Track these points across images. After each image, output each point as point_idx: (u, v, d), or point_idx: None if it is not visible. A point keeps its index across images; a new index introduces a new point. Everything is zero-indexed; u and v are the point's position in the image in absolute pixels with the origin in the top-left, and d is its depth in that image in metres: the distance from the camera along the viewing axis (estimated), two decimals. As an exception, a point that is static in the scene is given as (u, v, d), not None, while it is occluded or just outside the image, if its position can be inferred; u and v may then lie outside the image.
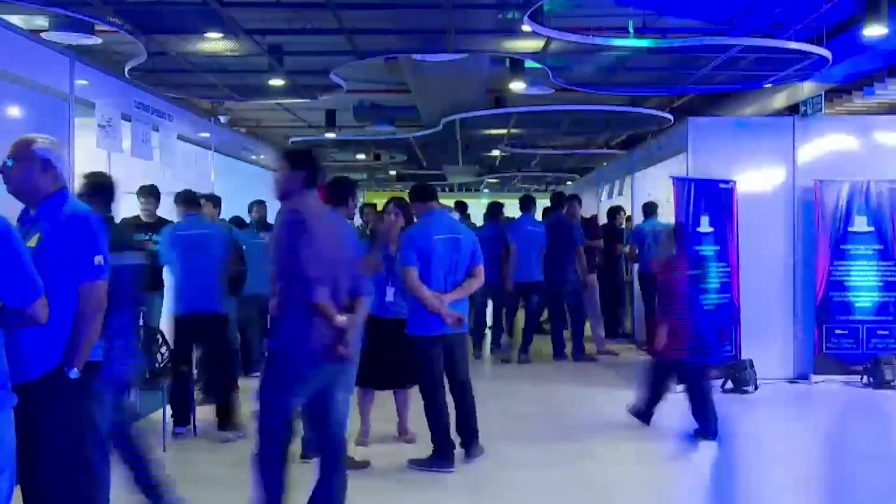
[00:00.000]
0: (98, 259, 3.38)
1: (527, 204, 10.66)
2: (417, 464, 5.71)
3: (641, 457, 6.05)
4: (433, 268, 5.64)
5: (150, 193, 7.55)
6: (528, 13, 8.75)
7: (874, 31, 8.22)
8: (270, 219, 9.53)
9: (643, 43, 10.24)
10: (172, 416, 6.58)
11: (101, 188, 4.57)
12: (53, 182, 3.43)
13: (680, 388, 8.28)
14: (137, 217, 7.59)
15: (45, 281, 3.10)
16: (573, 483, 5.56)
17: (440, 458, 5.66)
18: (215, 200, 8.48)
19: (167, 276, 7.70)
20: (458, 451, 5.78)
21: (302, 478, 5.39)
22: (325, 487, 4.13)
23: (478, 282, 5.85)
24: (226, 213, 9.52)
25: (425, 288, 5.58)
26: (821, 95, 9.52)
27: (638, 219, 11.32)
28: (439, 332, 5.66)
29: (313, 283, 3.88)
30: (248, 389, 8.64)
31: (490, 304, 11.25)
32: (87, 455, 3.44)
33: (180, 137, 8.68)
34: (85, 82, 6.59)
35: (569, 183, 24.09)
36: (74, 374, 3.29)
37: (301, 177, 4.06)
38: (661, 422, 7.01)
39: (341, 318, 3.95)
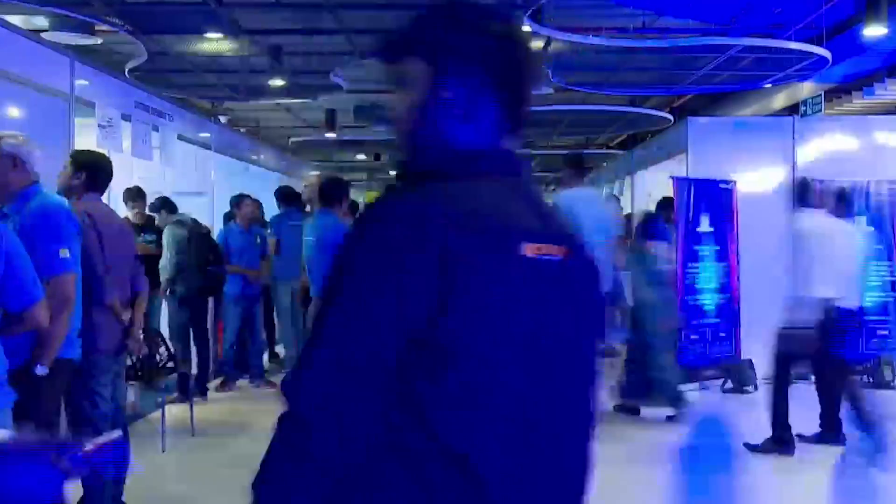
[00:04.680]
0: (63, 252, 3.29)
1: None
2: None
3: (638, 457, 6.04)
4: None
5: (136, 196, 7.56)
6: (528, 13, 8.75)
7: (874, 31, 8.22)
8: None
9: (642, 43, 10.24)
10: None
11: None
12: (23, 178, 3.41)
13: (682, 387, 8.30)
14: (127, 219, 7.61)
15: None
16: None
17: None
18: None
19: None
20: None
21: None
22: None
23: None
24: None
25: None
26: (821, 95, 9.53)
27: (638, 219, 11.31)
28: None
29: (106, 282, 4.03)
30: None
31: None
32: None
33: (180, 137, 8.69)
34: (85, 82, 6.59)
35: (569, 183, 24.09)
36: (42, 370, 3.20)
37: (84, 178, 4.12)
38: (656, 422, 7.01)
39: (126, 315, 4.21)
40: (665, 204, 8.46)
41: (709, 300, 8.56)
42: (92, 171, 4.13)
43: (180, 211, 8.07)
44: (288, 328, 9.03)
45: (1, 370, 2.85)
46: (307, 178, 12.82)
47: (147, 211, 8.02)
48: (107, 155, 4.54)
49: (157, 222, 7.99)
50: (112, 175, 4.31)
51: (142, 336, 4.52)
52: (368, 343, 1.30)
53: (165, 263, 7.69)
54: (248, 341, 8.66)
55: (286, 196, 9.17)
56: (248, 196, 8.68)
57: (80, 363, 3.66)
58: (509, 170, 1.46)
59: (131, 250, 4.46)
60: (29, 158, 3.44)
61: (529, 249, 1.36)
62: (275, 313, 9.31)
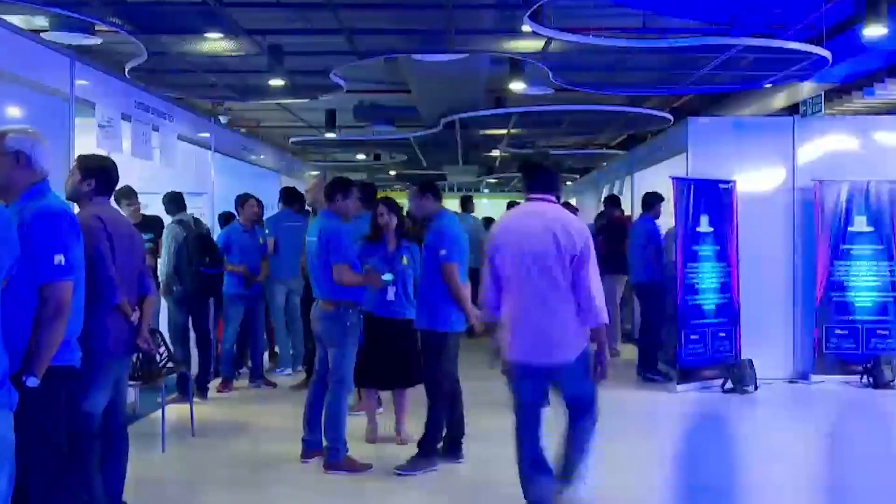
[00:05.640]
0: (58, 258, 3.16)
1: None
2: (406, 470, 5.59)
3: (637, 458, 6.04)
4: (463, 267, 5.72)
5: (130, 195, 7.54)
6: (528, 13, 8.74)
7: (874, 31, 8.21)
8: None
9: (642, 43, 10.24)
10: None
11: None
12: (29, 175, 3.31)
13: (682, 387, 8.30)
14: None
15: (11, 280, 2.91)
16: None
17: (428, 457, 5.64)
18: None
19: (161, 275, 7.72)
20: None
21: (303, 477, 5.41)
22: (117, 464, 4.29)
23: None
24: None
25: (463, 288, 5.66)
26: (821, 95, 9.52)
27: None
28: (461, 329, 5.73)
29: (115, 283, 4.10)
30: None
31: None
32: (47, 467, 3.24)
33: (180, 137, 8.69)
34: (85, 82, 6.59)
35: (568, 183, 24.08)
36: (33, 382, 3.02)
37: (94, 183, 4.21)
38: (657, 423, 7.01)
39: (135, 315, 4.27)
40: None
41: (709, 300, 8.57)
42: (100, 176, 4.21)
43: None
44: (281, 327, 9.05)
45: (2, 372, 2.77)
46: (309, 179, 12.84)
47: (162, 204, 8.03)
48: (111, 157, 4.57)
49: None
50: (118, 177, 4.36)
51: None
52: None
53: (164, 264, 7.69)
54: (249, 341, 8.68)
55: (285, 196, 9.18)
56: (253, 196, 8.67)
57: (85, 363, 3.62)
58: None
59: (140, 252, 4.53)
60: (35, 154, 3.34)
61: None
62: (270, 312, 9.33)
